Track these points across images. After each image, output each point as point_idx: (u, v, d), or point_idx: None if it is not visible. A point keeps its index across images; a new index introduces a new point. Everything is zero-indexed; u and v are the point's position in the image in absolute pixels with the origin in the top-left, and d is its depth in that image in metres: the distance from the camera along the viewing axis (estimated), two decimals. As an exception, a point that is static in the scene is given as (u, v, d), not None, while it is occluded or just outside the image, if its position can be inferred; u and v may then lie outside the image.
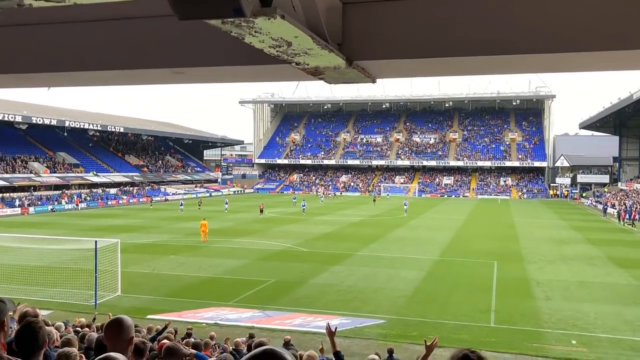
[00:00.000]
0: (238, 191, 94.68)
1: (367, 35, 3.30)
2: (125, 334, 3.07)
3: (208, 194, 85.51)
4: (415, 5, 3.27)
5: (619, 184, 77.66)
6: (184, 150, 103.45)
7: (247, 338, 11.56)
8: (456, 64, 3.48)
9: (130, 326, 3.14)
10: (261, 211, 54.05)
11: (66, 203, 63.23)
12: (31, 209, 58.07)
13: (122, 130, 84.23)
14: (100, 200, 67.88)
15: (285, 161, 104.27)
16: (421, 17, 3.26)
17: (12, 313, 6.74)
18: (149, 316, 17.79)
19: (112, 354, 2.55)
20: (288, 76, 3.85)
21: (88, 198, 67.31)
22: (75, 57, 3.60)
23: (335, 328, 6.40)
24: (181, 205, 59.05)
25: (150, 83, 4.16)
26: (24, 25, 3.61)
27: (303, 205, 56.77)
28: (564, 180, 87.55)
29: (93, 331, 9.91)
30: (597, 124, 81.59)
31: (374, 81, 3.79)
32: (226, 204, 59.57)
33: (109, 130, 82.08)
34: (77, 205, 63.44)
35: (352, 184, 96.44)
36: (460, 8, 3.20)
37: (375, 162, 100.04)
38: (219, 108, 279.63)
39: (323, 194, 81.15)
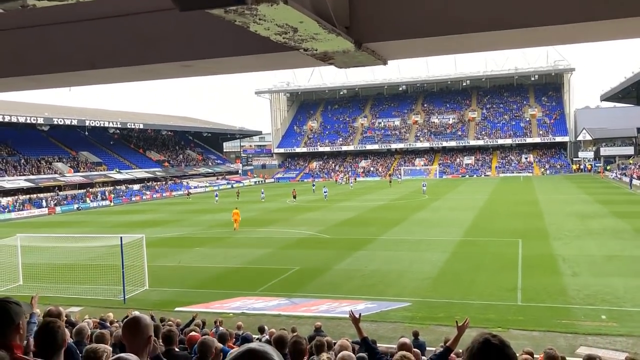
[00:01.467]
0: (259, 181, 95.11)
1: (375, 17, 3.24)
2: (143, 333, 3.08)
3: (229, 186, 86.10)
4: (423, -18, 3.20)
5: (645, 155, 76.19)
6: (203, 144, 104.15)
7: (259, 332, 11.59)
8: (469, 40, 3.41)
9: (148, 325, 3.15)
10: (294, 197, 56.76)
11: (91, 201, 64.25)
12: (58, 209, 59.12)
13: (141, 126, 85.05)
14: (124, 197, 68.80)
15: (304, 149, 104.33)
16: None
17: (34, 314, 6.86)
18: (177, 309, 18.04)
19: (124, 354, 2.57)
20: (297, 63, 3.81)
21: (112, 195, 68.29)
22: (83, 56, 3.61)
23: (360, 314, 6.39)
24: (216, 196, 61.60)
25: (159, 78, 4.16)
26: (32, 27, 3.63)
27: (325, 192, 57.20)
28: (587, 154, 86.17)
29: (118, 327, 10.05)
30: (619, 95, 79.89)
31: (385, 63, 3.73)
32: (262, 193, 60.84)
33: (129, 127, 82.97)
34: (110, 202, 64.95)
35: (372, 168, 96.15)
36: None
37: (394, 146, 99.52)
38: (236, 99, 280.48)
39: (349, 179, 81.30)
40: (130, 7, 3.34)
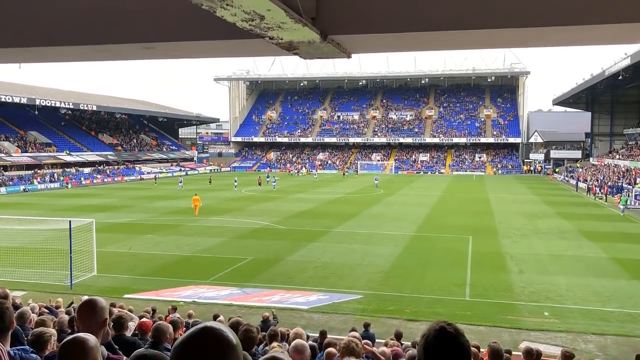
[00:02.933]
0: (214, 170, 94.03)
1: (341, 10, 3.26)
2: (98, 316, 3.03)
3: (184, 173, 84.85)
4: (390, -21, 3.24)
5: (591, 159, 79.14)
6: (158, 129, 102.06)
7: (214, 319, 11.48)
8: (431, 38, 3.47)
9: (104, 308, 3.10)
10: (259, 184, 59.46)
11: (39, 183, 62.15)
12: (2, 189, 56.89)
13: (95, 108, 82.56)
14: (74, 180, 66.83)
15: (262, 139, 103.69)
16: (396, -9, 3.23)
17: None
18: (126, 295, 17.74)
19: (81, 334, 2.52)
20: (262, 51, 3.80)
21: (61, 178, 66.22)
22: (43, 32, 3.50)
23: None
24: (180, 182, 61.22)
25: (121, 59, 4.07)
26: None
27: (274, 182, 58.59)
28: (537, 156, 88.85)
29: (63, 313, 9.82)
30: (570, 100, 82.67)
31: (349, 56, 3.76)
32: (235, 181, 60.87)
33: (82, 108, 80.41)
34: (67, 184, 63.73)
35: (329, 161, 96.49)
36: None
37: (352, 140, 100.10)
38: (194, 85, 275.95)
39: (312, 171, 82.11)
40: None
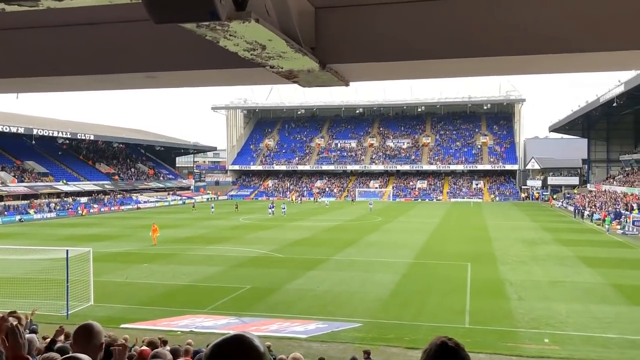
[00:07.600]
0: (211, 198, 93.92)
1: (339, 39, 3.35)
2: (95, 340, 3.04)
3: (181, 202, 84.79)
4: (386, 9, 3.33)
5: (588, 185, 79.37)
6: (155, 158, 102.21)
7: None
8: (428, 66, 3.54)
9: (100, 332, 3.11)
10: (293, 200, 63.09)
11: (35, 213, 61.95)
12: (-2, 220, 56.72)
13: (92, 138, 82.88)
14: (70, 210, 66.62)
15: (260, 167, 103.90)
16: (393, 21, 3.32)
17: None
18: (122, 325, 17.53)
19: (77, 354, 2.53)
20: (262, 80, 3.87)
21: (58, 207, 66.01)
22: (47, 63, 3.57)
23: None
24: (212, 207, 65.96)
25: (123, 88, 4.13)
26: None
27: (281, 208, 58.52)
28: (535, 183, 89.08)
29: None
30: (566, 126, 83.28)
31: (347, 84, 3.83)
32: (284, 207, 62.18)
33: (79, 138, 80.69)
34: (82, 212, 65.45)
35: (327, 189, 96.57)
36: (431, 11, 3.27)
37: (349, 167, 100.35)
38: (191, 114, 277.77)
39: (320, 199, 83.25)
40: (97, 16, 3.33)
